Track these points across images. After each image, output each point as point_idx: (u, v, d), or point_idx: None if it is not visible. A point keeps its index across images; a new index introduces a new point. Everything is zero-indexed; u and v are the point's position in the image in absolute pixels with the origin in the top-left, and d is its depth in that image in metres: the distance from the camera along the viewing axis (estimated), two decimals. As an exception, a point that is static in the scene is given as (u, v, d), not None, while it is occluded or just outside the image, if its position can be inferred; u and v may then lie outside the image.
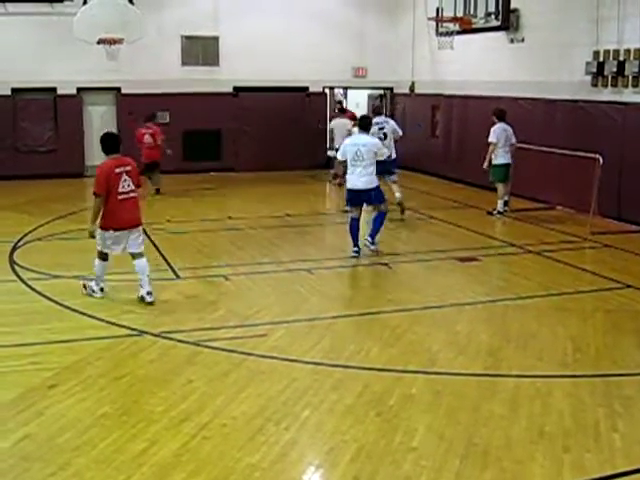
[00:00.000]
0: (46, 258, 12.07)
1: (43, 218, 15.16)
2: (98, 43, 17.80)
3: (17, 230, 13.89)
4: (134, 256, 9.79)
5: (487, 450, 5.79)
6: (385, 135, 14.48)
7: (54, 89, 21.39)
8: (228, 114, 22.19)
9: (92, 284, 9.87)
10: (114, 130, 20.94)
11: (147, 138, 18.15)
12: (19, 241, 13.13)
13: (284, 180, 21.16)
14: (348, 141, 12.19)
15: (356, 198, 12.03)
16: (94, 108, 22.05)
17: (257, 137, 22.51)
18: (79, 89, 21.57)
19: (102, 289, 9.89)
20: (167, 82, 21.60)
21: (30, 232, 13.89)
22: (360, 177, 11.78)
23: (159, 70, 21.60)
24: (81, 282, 10.12)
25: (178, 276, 10.94)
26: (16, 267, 11.37)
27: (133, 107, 20.48)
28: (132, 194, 9.66)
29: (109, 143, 9.83)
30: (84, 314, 9.05)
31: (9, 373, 7.33)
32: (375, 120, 13.93)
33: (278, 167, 22.11)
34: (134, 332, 8.46)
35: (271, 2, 22.24)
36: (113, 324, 8.73)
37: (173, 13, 21.78)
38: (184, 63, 22.24)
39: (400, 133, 14.91)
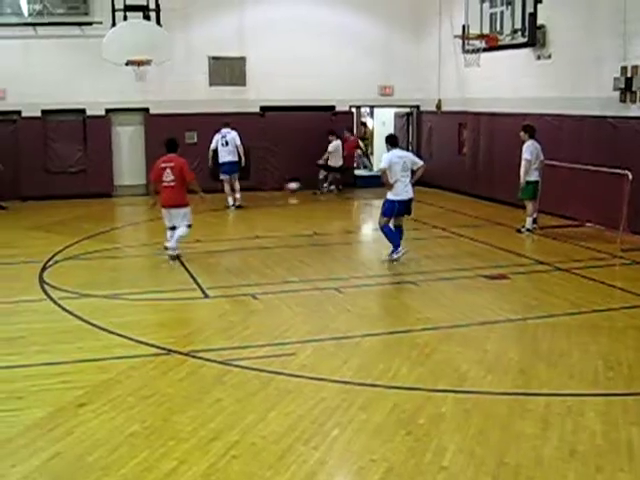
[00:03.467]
0: (75, 277, 12.14)
1: (73, 238, 15.27)
2: (127, 64, 17.96)
3: (47, 250, 14.00)
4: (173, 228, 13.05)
5: (518, 470, 5.73)
6: None
7: (83, 110, 21.61)
8: (255, 134, 22.27)
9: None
10: (142, 150, 21.20)
11: None
12: (49, 260, 13.24)
13: (311, 199, 21.19)
14: (390, 154, 12.79)
15: (401, 208, 12.76)
16: (122, 128, 22.24)
17: (284, 156, 22.57)
18: (108, 110, 21.76)
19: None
20: (194, 102, 21.75)
21: (60, 252, 13.99)
22: (405, 187, 12.71)
23: (187, 90, 21.77)
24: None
25: (207, 295, 10.94)
26: (46, 286, 11.46)
27: (161, 128, 20.59)
28: (172, 183, 12.81)
29: (167, 144, 13.24)
30: (113, 333, 9.09)
31: (39, 392, 7.36)
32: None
33: (305, 186, 22.13)
34: (163, 351, 8.48)
35: (297, 22, 22.36)
36: (142, 343, 8.74)
37: (200, 34, 21.93)
38: (211, 83, 22.40)
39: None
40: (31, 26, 21.07)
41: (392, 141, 13.19)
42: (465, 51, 19.62)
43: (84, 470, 5.82)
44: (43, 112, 21.41)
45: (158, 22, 18.61)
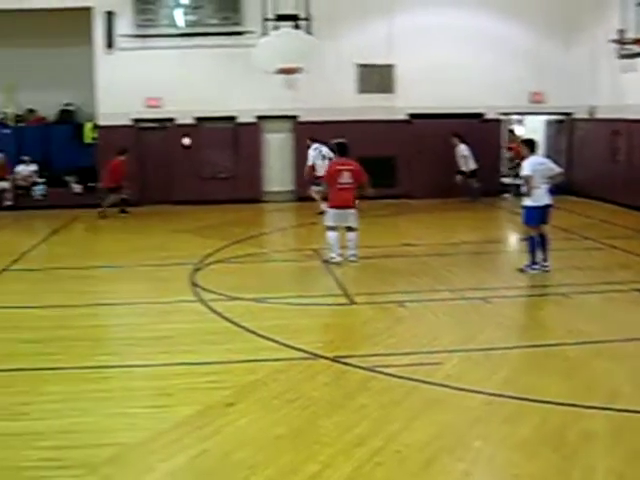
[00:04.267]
0: (225, 280, 12.43)
1: (222, 241, 15.64)
2: (277, 73, 18.27)
3: (198, 253, 14.40)
4: (349, 229, 13.29)
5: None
6: None
7: (234, 118, 22.14)
8: (403, 141, 22.23)
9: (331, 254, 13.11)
10: (290, 156, 21.47)
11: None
12: (200, 263, 13.61)
13: (459, 207, 20.96)
14: (532, 160, 12.49)
15: (541, 214, 12.48)
16: (272, 136, 22.66)
17: (432, 164, 22.43)
18: (258, 117, 22.23)
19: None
20: (343, 110, 21.90)
21: (210, 255, 14.36)
22: (546, 193, 12.44)
23: (335, 98, 21.94)
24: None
25: (353, 302, 10.95)
26: (197, 288, 11.78)
27: (310, 135, 20.82)
28: (348, 185, 13.14)
29: (340, 148, 13.85)
30: (261, 336, 9.22)
31: (189, 390, 7.56)
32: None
33: (452, 194, 21.89)
34: (309, 355, 8.54)
35: (445, 28, 22.10)
36: (289, 347, 8.83)
37: (349, 42, 22.06)
38: (360, 91, 22.50)
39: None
40: (186, 36, 21.80)
41: (531, 146, 12.83)
42: (621, 56, 18.96)
43: (230, 468, 5.94)
44: (197, 119, 22.08)
45: (308, 30, 18.84)
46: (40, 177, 22.76)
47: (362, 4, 22.03)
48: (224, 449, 6.23)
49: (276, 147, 22.61)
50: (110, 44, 21.99)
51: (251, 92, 21.46)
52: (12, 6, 21.25)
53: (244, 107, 21.86)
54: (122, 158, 20.42)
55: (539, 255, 12.54)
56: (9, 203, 22.09)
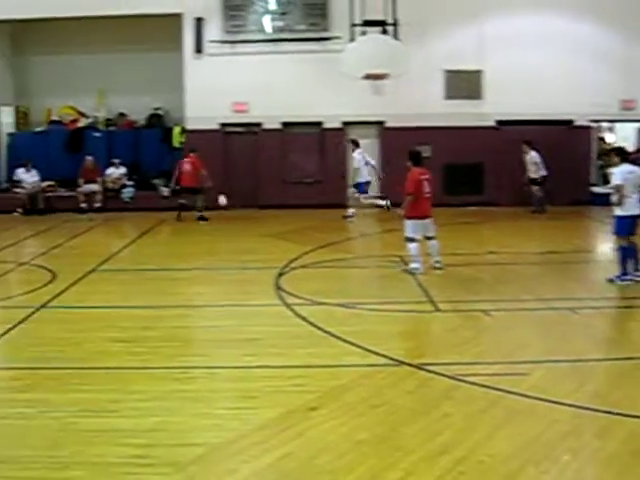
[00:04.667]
0: (310, 285, 12.48)
1: (307, 246, 15.72)
2: (364, 78, 18.29)
3: (283, 257, 14.50)
4: (429, 238, 13.32)
5: None
6: None
7: (320, 123, 22.25)
8: (490, 148, 22.03)
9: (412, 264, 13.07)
10: (376, 162, 21.46)
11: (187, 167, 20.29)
12: (284, 267, 13.70)
13: (546, 215, 20.62)
14: (622, 169, 12.21)
15: (632, 224, 12.22)
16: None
17: (519, 171, 22.13)
18: (344, 123, 22.29)
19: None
20: (429, 116, 21.82)
21: (295, 259, 14.45)
22: (636, 203, 12.14)
23: (422, 104, 21.87)
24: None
25: (438, 309, 10.88)
26: (281, 292, 11.87)
27: (396, 140, 20.79)
28: (429, 195, 13.22)
29: (417, 157, 13.55)
30: (345, 341, 9.23)
31: (274, 393, 7.62)
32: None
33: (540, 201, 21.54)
34: (393, 362, 8.50)
35: (534, 35, 21.84)
36: (373, 352, 8.81)
37: (437, 48, 21.99)
38: (447, 97, 22.36)
39: None
40: (274, 42, 22.02)
41: (623, 155, 12.55)
42: None
43: (313, 472, 5.95)
44: (283, 124, 22.26)
45: (395, 36, 18.81)
46: (129, 180, 23.26)
47: (450, 10, 21.94)
48: (307, 453, 6.25)
49: (362, 152, 22.61)
50: (199, 49, 22.36)
51: (337, 97, 21.56)
52: (105, 13, 21.80)
53: (330, 112, 21.97)
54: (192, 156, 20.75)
55: (630, 266, 12.25)
56: (98, 205, 22.63)
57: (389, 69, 18.02)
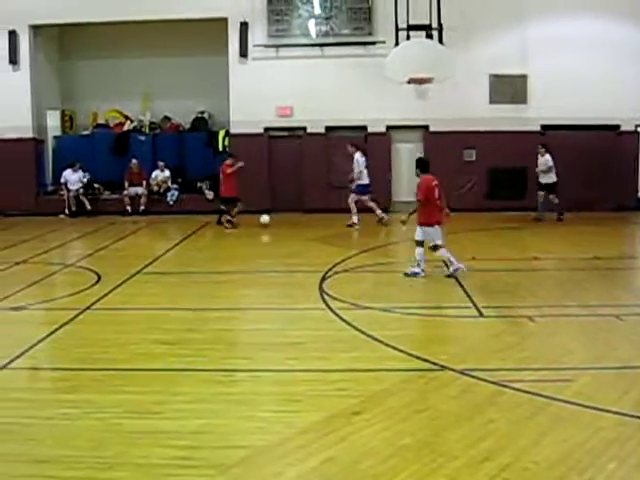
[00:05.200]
0: (353, 289, 12.51)
1: (350, 250, 15.75)
2: (408, 82, 18.24)
3: (326, 261, 14.53)
4: (435, 249, 13.25)
5: None
6: None
7: (365, 127, 22.25)
8: (535, 153, 21.83)
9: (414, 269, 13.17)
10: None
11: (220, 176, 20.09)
12: (328, 271, 13.72)
13: (591, 221, 20.39)
14: None
15: None
16: (402, 145, 22.66)
17: (563, 176, 21.90)
18: (388, 127, 22.27)
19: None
20: (474, 120, 21.72)
21: (338, 263, 14.47)
22: None
23: (466, 108, 21.78)
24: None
25: (482, 314, 10.83)
26: (325, 296, 11.90)
27: (440, 145, 20.73)
28: (439, 201, 13.20)
29: (425, 164, 13.60)
30: (388, 345, 9.23)
31: (317, 397, 7.64)
32: None
33: (584, 207, 21.32)
34: (436, 367, 8.49)
35: (579, 38, 21.57)
36: (416, 357, 8.80)
37: (482, 52, 21.87)
38: (491, 101, 22.24)
39: None
40: (318, 46, 22.07)
41: None
42: None
43: (356, 477, 5.96)
44: (327, 128, 22.30)
45: (440, 40, 18.74)
46: (173, 183, 23.45)
47: (494, 14, 21.84)
48: (350, 457, 6.25)
49: (406, 157, 22.56)
50: (244, 54, 22.48)
51: (381, 102, 21.54)
52: (151, 17, 22.04)
53: (374, 117, 21.96)
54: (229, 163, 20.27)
55: None
56: (143, 208, 22.85)
57: (433, 73, 17.93)
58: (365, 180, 19.93)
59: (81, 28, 23.74)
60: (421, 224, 13.24)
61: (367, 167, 19.94)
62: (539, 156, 20.70)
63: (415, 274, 13.19)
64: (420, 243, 13.27)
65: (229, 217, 19.98)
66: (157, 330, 10.15)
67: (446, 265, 13.30)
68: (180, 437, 6.69)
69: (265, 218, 19.93)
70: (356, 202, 19.88)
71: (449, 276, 13.10)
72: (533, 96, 22.13)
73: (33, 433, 6.86)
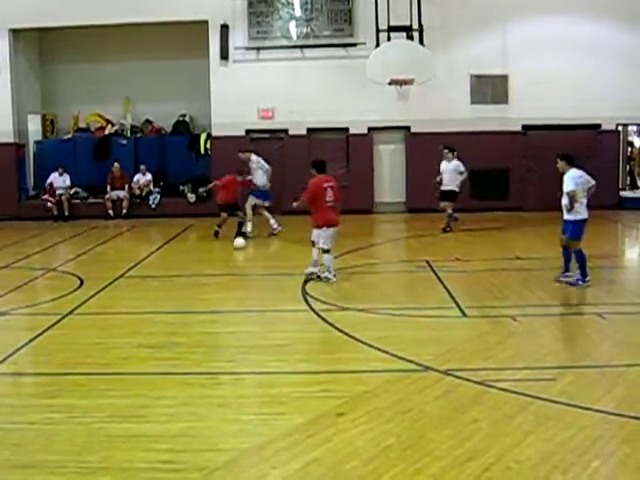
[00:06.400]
0: (336, 290, 12.52)
1: (333, 252, 15.65)
2: (389, 84, 18.27)
3: (308, 263, 14.45)
4: (325, 251, 13.04)
5: None
6: None
7: (346, 129, 22.27)
8: (516, 153, 21.95)
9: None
10: (402, 168, 21.45)
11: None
12: (311, 273, 13.68)
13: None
14: (573, 174, 12.69)
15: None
16: (384, 147, 22.67)
17: (545, 176, 21.93)
18: (370, 128, 22.29)
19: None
20: (455, 121, 21.77)
21: (321, 265, 14.39)
22: (585, 207, 12.53)
23: (448, 109, 21.85)
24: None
25: (465, 314, 10.85)
26: (308, 298, 11.89)
27: (422, 146, 20.77)
28: (332, 203, 13.11)
29: (321, 165, 13.55)
30: (372, 346, 9.22)
31: (301, 399, 7.63)
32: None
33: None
34: (420, 367, 8.49)
35: (559, 39, 21.65)
36: (400, 358, 8.80)
37: (463, 53, 21.95)
38: (473, 102, 22.30)
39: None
40: (299, 48, 22.09)
41: (569, 160, 12.94)
42: None
43: (340, 478, 5.96)
44: (309, 130, 22.30)
45: (421, 41, 18.80)
46: (155, 186, 23.38)
47: (475, 15, 21.91)
48: (335, 458, 6.25)
49: (388, 158, 22.61)
50: (225, 56, 22.46)
51: (363, 103, 21.58)
52: (131, 20, 22.00)
53: (356, 118, 21.98)
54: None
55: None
56: (125, 211, 22.78)
57: (414, 74, 18.00)
58: (264, 186, 19.00)
59: (62, 31, 23.62)
60: (316, 226, 13.23)
61: (266, 172, 19.01)
62: (445, 161, 18.97)
63: (328, 279, 13.06)
64: (327, 250, 13.19)
65: (217, 227, 18.69)
66: (140, 334, 10.12)
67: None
68: (164, 441, 6.67)
69: (239, 242, 17.38)
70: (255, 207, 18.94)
71: (312, 274, 13.25)
72: (514, 96, 22.21)
73: (16, 438, 6.83)
